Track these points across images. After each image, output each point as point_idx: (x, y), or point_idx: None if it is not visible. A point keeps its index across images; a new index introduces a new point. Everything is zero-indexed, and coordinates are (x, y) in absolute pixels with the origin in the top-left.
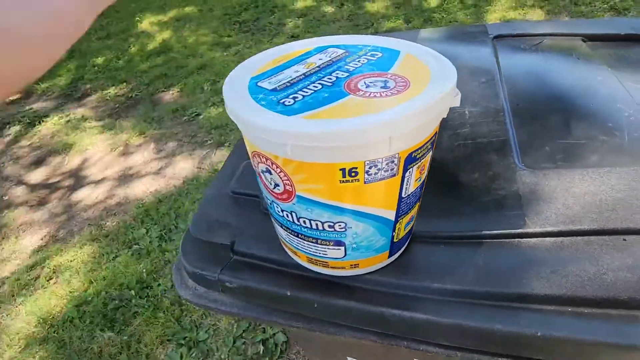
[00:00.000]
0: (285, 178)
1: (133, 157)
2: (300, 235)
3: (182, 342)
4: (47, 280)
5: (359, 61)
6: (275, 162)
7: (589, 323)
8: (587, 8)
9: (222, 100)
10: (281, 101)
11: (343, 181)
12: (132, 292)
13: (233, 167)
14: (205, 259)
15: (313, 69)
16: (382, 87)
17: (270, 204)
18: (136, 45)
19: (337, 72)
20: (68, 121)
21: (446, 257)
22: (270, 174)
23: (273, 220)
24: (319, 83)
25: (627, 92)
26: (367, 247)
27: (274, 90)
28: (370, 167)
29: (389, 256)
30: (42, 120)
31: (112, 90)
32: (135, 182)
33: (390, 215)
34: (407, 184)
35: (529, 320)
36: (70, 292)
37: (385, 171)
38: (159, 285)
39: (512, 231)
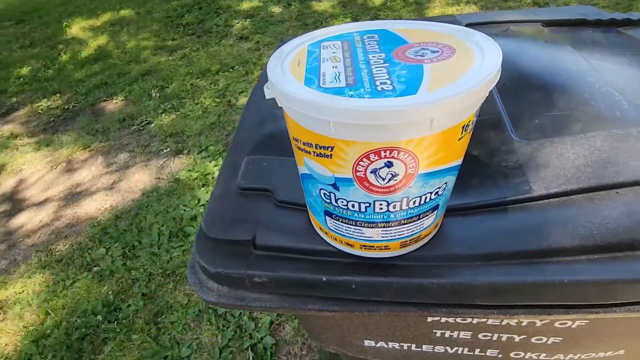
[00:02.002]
0: (412, 161)
1: (79, 173)
2: (403, 221)
3: None
4: None
5: (370, 43)
6: (405, 149)
7: (604, 266)
8: (514, 3)
9: (173, 107)
10: (377, 89)
11: (460, 138)
12: (99, 317)
13: (233, 164)
14: (227, 258)
15: (344, 59)
16: (434, 53)
17: (357, 211)
18: (67, 52)
19: (371, 54)
20: None
21: (468, 227)
22: (391, 166)
23: (346, 226)
24: (378, 66)
25: (593, 68)
26: (446, 201)
27: (351, 85)
28: (475, 119)
29: None
30: None
31: (44, 103)
32: (86, 200)
33: (461, 161)
34: None
35: (553, 271)
36: (24, 327)
37: (477, 117)
38: (129, 305)
39: (521, 196)
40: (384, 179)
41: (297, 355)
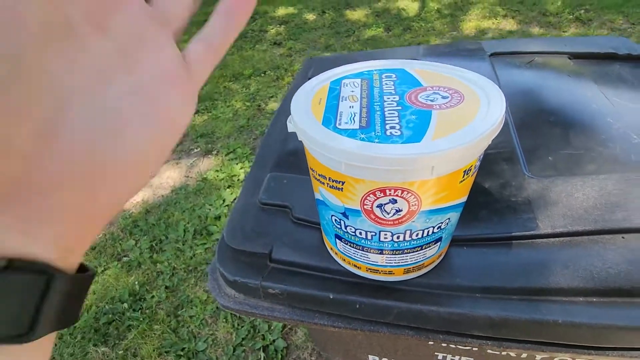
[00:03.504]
0: (415, 200)
1: None
2: (406, 251)
3: (181, 353)
4: None
5: (387, 83)
6: (409, 189)
7: (600, 310)
8: (555, 19)
9: (206, 108)
10: (387, 134)
11: (462, 181)
12: (125, 304)
13: (257, 179)
14: (244, 268)
15: (361, 99)
16: (444, 99)
17: (364, 238)
18: None
19: (386, 96)
20: None
21: (472, 258)
22: (395, 202)
23: (354, 250)
24: (390, 109)
25: (613, 107)
26: (450, 234)
27: (363, 128)
28: (478, 162)
29: None
30: None
31: None
32: None
33: (465, 199)
34: None
35: (549, 310)
36: None
37: (480, 161)
38: (153, 296)
39: (527, 233)
40: (388, 213)
41: (327, 357)
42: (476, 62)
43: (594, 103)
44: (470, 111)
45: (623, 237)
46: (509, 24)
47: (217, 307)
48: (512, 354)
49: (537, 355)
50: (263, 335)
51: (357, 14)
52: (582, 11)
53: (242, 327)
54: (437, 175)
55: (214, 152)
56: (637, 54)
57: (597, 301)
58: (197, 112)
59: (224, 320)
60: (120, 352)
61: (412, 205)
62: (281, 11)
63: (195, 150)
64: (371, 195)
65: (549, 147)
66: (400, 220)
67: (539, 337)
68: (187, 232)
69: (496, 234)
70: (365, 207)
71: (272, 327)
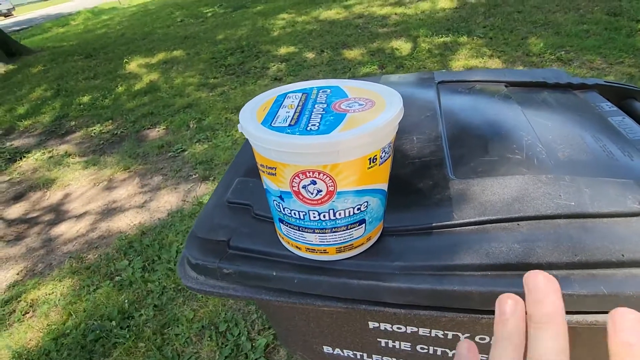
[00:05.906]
0: (330, 181)
1: (117, 191)
2: (334, 229)
3: None
4: (23, 315)
5: (321, 96)
6: (323, 171)
7: (491, 280)
8: (537, 59)
9: (207, 137)
10: (307, 129)
11: (369, 167)
12: (113, 322)
13: (228, 183)
14: (207, 253)
15: (297, 107)
16: (359, 105)
17: (298, 218)
18: (123, 85)
19: (317, 105)
20: (50, 157)
21: (398, 244)
22: (315, 184)
23: (293, 231)
24: (316, 113)
25: (529, 124)
26: (376, 218)
27: (291, 125)
28: (382, 153)
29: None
30: (23, 156)
31: (97, 128)
32: (119, 215)
33: (385, 187)
34: (391, 161)
35: (450, 281)
36: (48, 325)
37: (387, 154)
38: (141, 315)
39: (444, 223)
40: (312, 193)
41: (289, 352)
42: (425, 88)
43: (513, 120)
44: (374, 114)
45: (518, 224)
46: (495, 63)
47: (202, 326)
48: (440, 335)
49: (460, 335)
50: (246, 353)
51: (353, 53)
52: (563, 52)
53: (225, 345)
54: (344, 159)
55: (212, 178)
56: (564, 82)
57: (490, 274)
58: (198, 141)
59: (209, 338)
60: None
61: (329, 186)
62: (283, 50)
63: (194, 176)
64: (296, 178)
65: (472, 155)
66: (322, 200)
67: (440, 303)
68: (179, 253)
69: (420, 225)
70: (293, 188)
71: (254, 346)
